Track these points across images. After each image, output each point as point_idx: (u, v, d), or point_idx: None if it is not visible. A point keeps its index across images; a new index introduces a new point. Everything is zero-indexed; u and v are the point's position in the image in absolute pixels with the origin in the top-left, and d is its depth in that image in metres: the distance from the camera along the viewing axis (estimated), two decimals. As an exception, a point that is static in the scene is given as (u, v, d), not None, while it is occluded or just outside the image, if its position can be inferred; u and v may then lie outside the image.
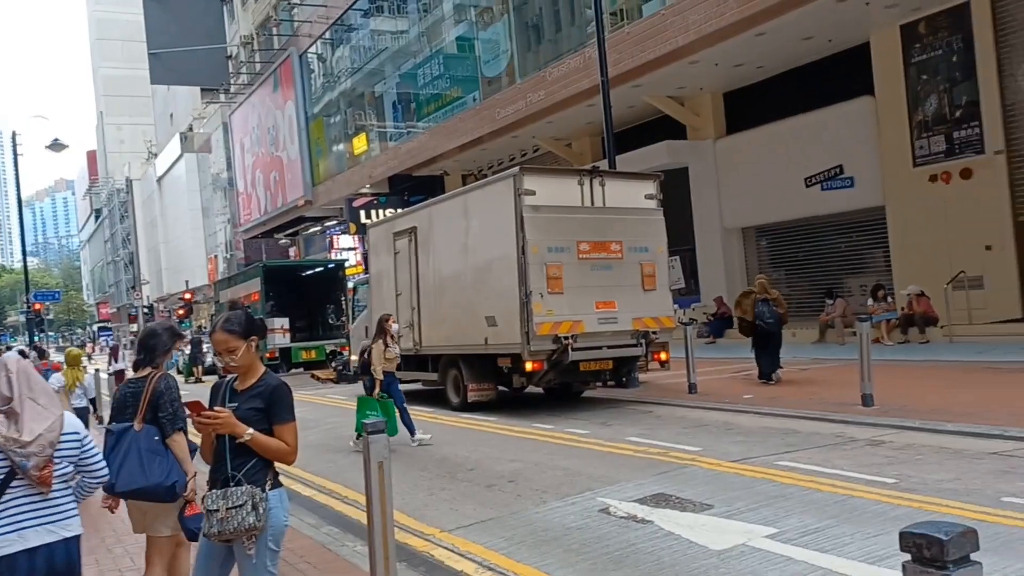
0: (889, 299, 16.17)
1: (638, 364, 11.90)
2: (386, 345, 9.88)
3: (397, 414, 9.65)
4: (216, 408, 3.28)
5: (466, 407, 11.98)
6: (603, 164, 14.56)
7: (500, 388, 12.15)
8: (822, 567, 4.49)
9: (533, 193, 10.73)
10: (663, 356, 11.62)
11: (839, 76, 17.50)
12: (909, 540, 1.94)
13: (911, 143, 16.05)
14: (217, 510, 3.19)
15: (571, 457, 8.15)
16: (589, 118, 20.80)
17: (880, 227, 17.22)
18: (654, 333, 11.34)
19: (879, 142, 16.73)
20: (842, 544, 4.82)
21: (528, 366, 10.69)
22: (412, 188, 29.81)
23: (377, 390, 9.69)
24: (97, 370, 15.69)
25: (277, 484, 3.36)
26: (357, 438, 9.60)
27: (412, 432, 9.69)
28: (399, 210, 23.87)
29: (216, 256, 58.86)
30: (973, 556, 1.90)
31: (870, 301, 16.27)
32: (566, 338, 10.61)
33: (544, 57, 22.57)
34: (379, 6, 31.65)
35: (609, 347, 11.12)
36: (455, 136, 25.21)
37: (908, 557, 1.93)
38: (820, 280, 19.00)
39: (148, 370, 4.22)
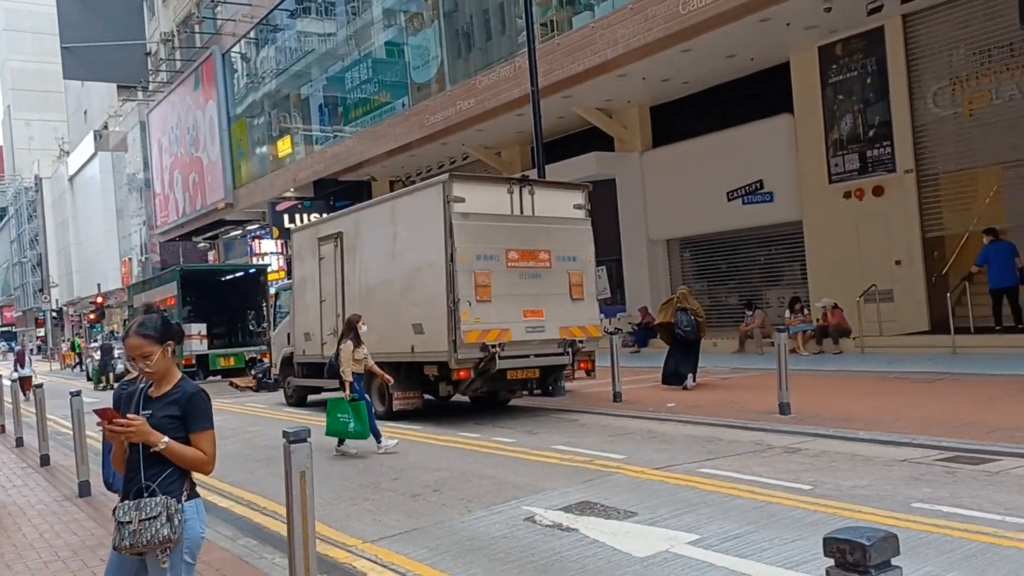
0: (805, 311, 16.72)
1: (564, 373, 11.97)
2: (355, 345, 9.58)
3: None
4: (129, 416, 3.14)
5: (391, 416, 11.82)
6: (532, 173, 14.64)
7: (426, 396, 12.05)
8: (742, 572, 4.57)
9: (462, 200, 10.69)
10: (589, 365, 11.72)
11: (760, 94, 18.06)
12: (833, 545, 1.96)
13: (827, 160, 16.66)
14: (129, 522, 3.05)
15: (497, 466, 8.12)
16: (519, 127, 20.90)
17: (797, 241, 17.80)
18: (581, 342, 11.44)
19: (797, 159, 17.31)
20: (761, 550, 4.92)
21: (455, 374, 10.63)
22: (338, 193, 29.39)
23: (348, 392, 9.40)
24: (-1, 376, 14.92)
25: (194, 495, 3.24)
26: (339, 444, 9.48)
27: (342, 442, 9.51)
28: (324, 215, 23.55)
29: (131, 259, 56.81)
30: (893, 561, 1.94)
31: (787, 313, 16.79)
32: (493, 346, 10.59)
33: (474, 65, 22.59)
34: (306, 7, 31.16)
35: (536, 355, 11.15)
36: (383, 141, 24.97)
37: (831, 562, 1.96)
38: (740, 291, 19.52)
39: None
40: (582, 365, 11.64)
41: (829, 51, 16.46)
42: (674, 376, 12.63)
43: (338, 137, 28.82)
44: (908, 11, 14.99)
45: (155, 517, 3.05)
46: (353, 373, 9.50)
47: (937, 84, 15.13)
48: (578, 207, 11.88)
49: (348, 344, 9.53)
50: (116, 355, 24.24)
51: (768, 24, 15.14)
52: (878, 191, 15.94)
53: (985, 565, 4.45)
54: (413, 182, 26.01)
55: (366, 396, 9.68)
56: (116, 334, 35.02)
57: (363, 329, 9.78)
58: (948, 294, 14.28)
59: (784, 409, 9.39)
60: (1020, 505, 5.46)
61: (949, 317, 14.03)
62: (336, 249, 13.33)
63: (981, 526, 5.05)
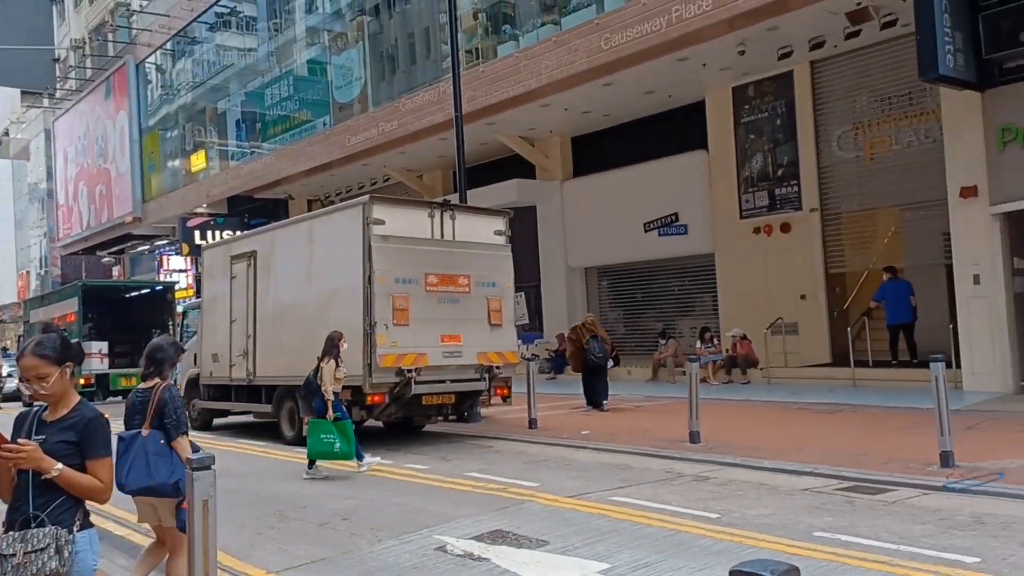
0: (715, 341, 17.18)
1: (480, 399, 11.93)
2: (337, 364, 9.31)
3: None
4: (20, 440, 2.95)
5: (300, 441, 11.45)
6: (454, 198, 14.66)
7: (339, 421, 11.79)
8: (652, 602, 4.61)
9: (382, 223, 10.60)
10: (505, 391, 11.72)
11: (677, 129, 18.61)
12: (739, 577, 2.01)
13: (738, 196, 17.26)
14: (13, 555, 2.86)
15: (409, 493, 8.00)
16: (441, 151, 20.91)
17: (710, 273, 18.33)
18: (498, 368, 11.43)
19: (711, 194, 17.88)
20: (671, 578, 4.98)
21: (369, 399, 10.45)
22: (253, 210, 28.71)
23: (331, 412, 9.14)
24: None
25: (87, 524, 3.07)
26: (310, 466, 9.16)
27: (312, 463, 9.24)
28: (238, 232, 22.95)
29: (28, 272, 54.09)
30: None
31: (698, 343, 17.21)
32: (409, 371, 10.48)
33: (398, 87, 22.56)
34: (226, 21, 30.55)
35: (453, 381, 11.08)
36: (302, 160, 24.58)
37: (738, 594, 2.00)
38: (655, 321, 19.92)
39: (155, 380, 4.74)
40: (498, 391, 11.63)
41: (742, 92, 17.12)
42: (594, 399, 13.47)
43: (255, 153, 28.22)
44: (816, 58, 15.73)
45: (42, 549, 2.87)
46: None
47: (841, 128, 15.89)
48: (498, 233, 11.94)
49: (331, 362, 9.27)
50: (5, 374, 22.92)
51: (685, 63, 15.65)
52: (785, 228, 16.58)
53: (881, 592, 4.61)
54: (332, 202, 25.69)
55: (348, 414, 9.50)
56: (8, 351, 33.15)
57: (344, 347, 9.53)
58: (848, 328, 14.91)
59: (694, 438, 9.58)
60: (913, 535, 5.70)
61: (849, 350, 14.65)
62: (249, 268, 12.99)
63: (877, 555, 5.24)
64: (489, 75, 18.42)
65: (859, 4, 13.36)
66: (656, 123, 19.13)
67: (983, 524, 5.90)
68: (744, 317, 16.81)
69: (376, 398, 10.46)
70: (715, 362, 16.81)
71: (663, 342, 18.07)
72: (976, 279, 12.61)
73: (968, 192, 12.67)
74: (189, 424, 4.82)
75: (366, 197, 10.83)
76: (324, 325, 11.22)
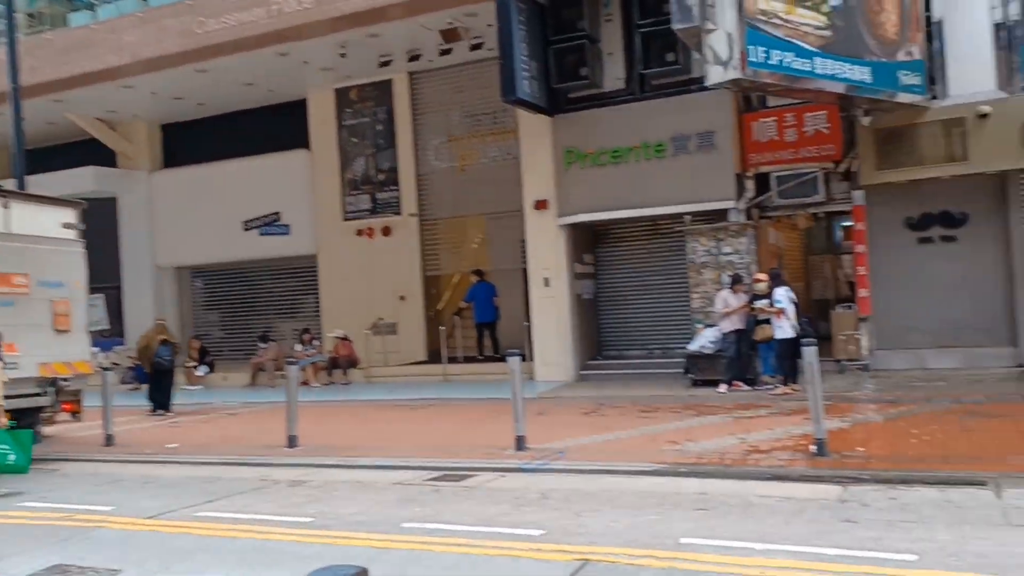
0: (316, 343, 17.10)
1: (43, 416, 10.35)
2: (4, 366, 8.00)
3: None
4: None
5: None
6: (11, 184, 12.59)
7: None
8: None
9: (-97, 207, 8.63)
10: (75, 406, 10.39)
11: (280, 126, 18.18)
12: (307, 588, 1.91)
13: (342, 198, 17.42)
14: None
15: (-62, 537, 6.57)
16: (-5, 128, 17.80)
17: (312, 274, 18.21)
18: (65, 380, 10.08)
19: (314, 194, 17.76)
20: (258, 592, 4.73)
21: None
22: None
23: (3, 419, 8.46)
24: None
25: None
26: None
27: None
28: None
29: None
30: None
31: (298, 345, 16.98)
32: (-57, 388, 8.68)
33: (-65, 47, 18.69)
34: None
35: (6, 397, 9.42)
36: None
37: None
38: (255, 323, 19.21)
39: None
40: (66, 406, 10.25)
41: (345, 94, 17.31)
42: (164, 404, 13.49)
43: None
44: (414, 69, 16.50)
45: None
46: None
47: (437, 139, 16.89)
48: (68, 226, 10.54)
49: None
50: None
51: (287, 59, 15.33)
52: (387, 231, 17.14)
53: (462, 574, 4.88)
54: None
55: None
56: None
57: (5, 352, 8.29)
58: (441, 327, 15.89)
59: (292, 442, 9.36)
60: (491, 515, 6.15)
61: (442, 348, 15.60)
62: None
63: (458, 538, 5.55)
64: (58, 45, 16.16)
65: (450, 24, 14.30)
66: (258, 117, 18.46)
67: (548, 499, 6.59)
68: (346, 318, 16.99)
69: None
70: (316, 364, 16.72)
71: (263, 346, 17.49)
72: (547, 282, 14.27)
73: (541, 205, 14.28)
74: None
75: None
76: None
